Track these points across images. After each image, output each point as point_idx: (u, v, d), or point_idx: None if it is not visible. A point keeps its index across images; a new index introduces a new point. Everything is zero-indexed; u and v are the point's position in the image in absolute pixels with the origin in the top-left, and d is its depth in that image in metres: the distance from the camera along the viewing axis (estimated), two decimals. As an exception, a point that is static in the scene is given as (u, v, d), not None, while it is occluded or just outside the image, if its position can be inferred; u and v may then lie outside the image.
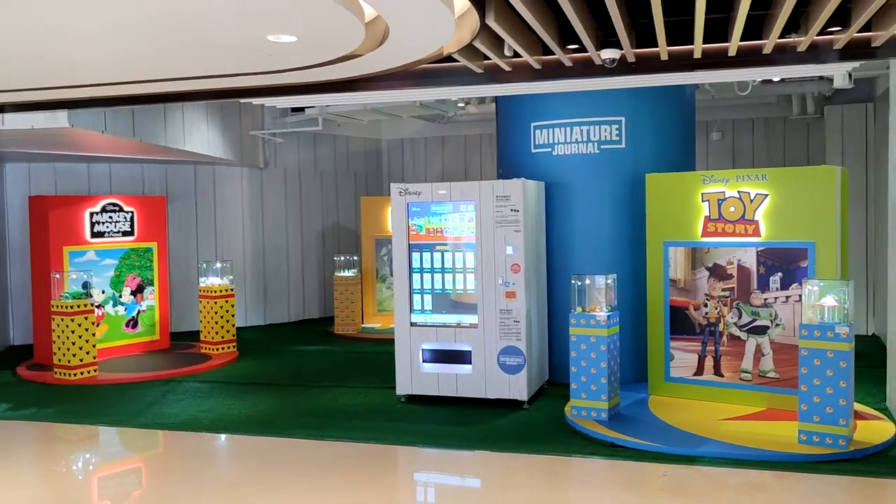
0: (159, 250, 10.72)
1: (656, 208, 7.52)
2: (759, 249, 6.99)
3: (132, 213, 10.39)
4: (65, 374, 8.85)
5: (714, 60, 5.10)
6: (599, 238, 8.12)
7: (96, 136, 8.20)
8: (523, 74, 5.48)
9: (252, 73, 5.39)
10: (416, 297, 7.66)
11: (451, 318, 7.57)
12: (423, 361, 7.60)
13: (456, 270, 7.57)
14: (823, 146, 11.68)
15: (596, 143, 8.03)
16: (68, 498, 5.50)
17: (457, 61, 5.38)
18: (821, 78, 9.98)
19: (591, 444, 6.20)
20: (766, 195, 6.92)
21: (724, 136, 12.33)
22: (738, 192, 7.04)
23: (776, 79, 9.65)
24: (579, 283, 6.92)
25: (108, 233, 10.16)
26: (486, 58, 5.44)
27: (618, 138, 8.01)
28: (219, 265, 10.44)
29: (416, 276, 7.65)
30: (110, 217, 10.17)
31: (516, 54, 5.20)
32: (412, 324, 7.64)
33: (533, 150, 8.32)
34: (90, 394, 8.33)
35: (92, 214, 9.99)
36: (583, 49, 5.13)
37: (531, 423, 6.91)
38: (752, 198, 6.99)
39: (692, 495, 5.21)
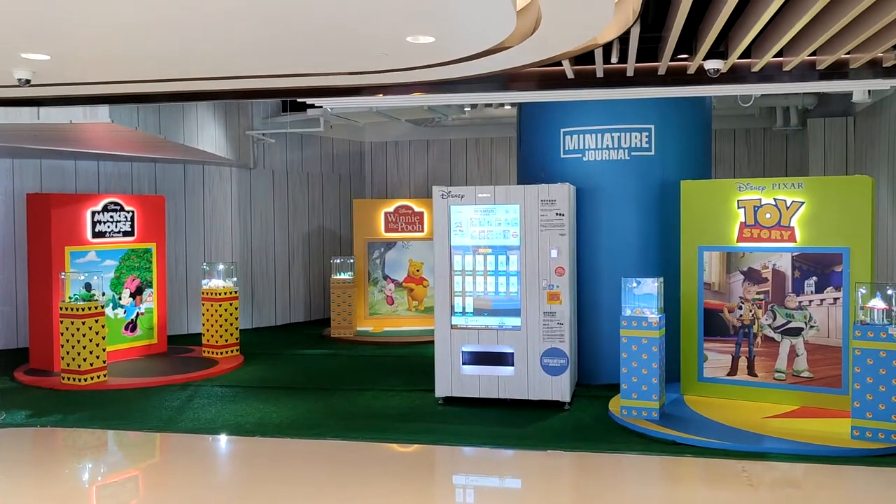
0: (158, 251, 10.40)
1: (691, 214, 7.76)
2: (794, 254, 7.32)
3: (132, 212, 10.05)
4: (73, 378, 8.49)
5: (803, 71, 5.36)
6: (628, 242, 8.32)
7: (105, 130, 7.83)
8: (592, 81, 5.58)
9: (340, 72, 5.35)
10: (458, 300, 7.69)
11: (493, 321, 7.63)
12: (464, 364, 7.64)
13: (499, 273, 7.64)
14: (802, 157, 12.27)
15: (627, 150, 8.24)
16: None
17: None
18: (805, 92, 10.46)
19: (651, 442, 6.37)
20: (802, 203, 7.25)
21: (708, 145, 12.74)
22: (775, 199, 7.35)
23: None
24: (630, 286, 7.09)
25: (109, 233, 9.81)
26: (581, 62, 5.54)
27: (647, 145, 8.24)
28: (222, 267, 10.22)
29: (457, 279, 7.69)
30: (111, 216, 9.81)
31: (622, 60, 5.31)
32: (453, 326, 7.67)
33: (562, 156, 8.47)
34: (109, 399, 8.02)
35: (94, 214, 9.62)
36: (689, 58, 5.31)
37: (579, 422, 7.04)
38: (787, 205, 7.31)
39: (781, 488, 5.43)
